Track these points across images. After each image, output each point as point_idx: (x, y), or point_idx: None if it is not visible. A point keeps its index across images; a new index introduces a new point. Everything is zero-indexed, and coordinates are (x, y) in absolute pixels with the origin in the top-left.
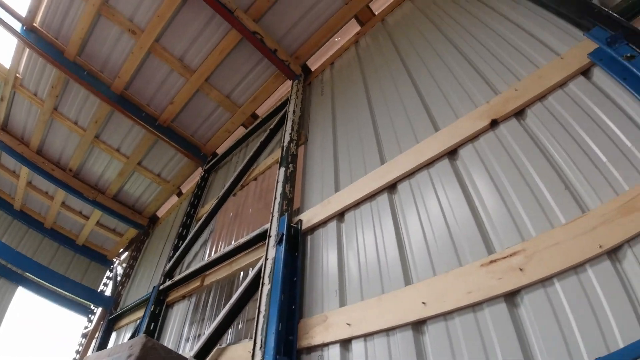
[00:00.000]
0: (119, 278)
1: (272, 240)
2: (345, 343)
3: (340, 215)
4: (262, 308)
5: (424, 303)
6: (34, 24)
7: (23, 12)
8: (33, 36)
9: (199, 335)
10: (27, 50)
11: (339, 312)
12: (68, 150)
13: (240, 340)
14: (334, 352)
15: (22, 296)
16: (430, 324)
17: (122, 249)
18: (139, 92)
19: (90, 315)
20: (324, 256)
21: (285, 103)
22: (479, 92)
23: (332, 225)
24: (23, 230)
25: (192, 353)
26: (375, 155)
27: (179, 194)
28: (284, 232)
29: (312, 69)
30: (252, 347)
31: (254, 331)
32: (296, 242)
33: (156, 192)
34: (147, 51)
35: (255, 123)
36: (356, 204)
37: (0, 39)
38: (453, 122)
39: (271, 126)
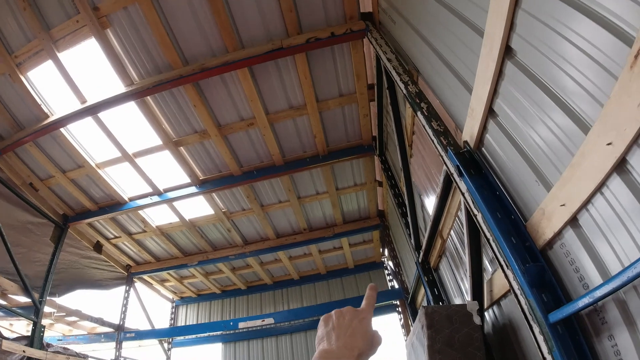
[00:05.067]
0: (394, 270)
1: (456, 177)
2: (573, 222)
3: (490, 112)
4: (488, 235)
5: (609, 144)
6: (200, 178)
7: (186, 179)
8: (207, 185)
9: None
10: (213, 193)
11: (548, 199)
12: (291, 219)
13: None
14: (569, 234)
15: None
16: (630, 157)
17: (380, 249)
18: (292, 150)
19: (397, 309)
20: (505, 157)
21: (378, 60)
22: None
23: (491, 125)
24: (309, 288)
25: (469, 296)
26: (470, 34)
27: (380, 184)
28: (458, 164)
29: (370, 10)
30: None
31: (495, 256)
32: (475, 163)
33: (365, 196)
34: (269, 124)
35: (376, 92)
36: (494, 92)
37: (192, 205)
38: None
39: (385, 85)
